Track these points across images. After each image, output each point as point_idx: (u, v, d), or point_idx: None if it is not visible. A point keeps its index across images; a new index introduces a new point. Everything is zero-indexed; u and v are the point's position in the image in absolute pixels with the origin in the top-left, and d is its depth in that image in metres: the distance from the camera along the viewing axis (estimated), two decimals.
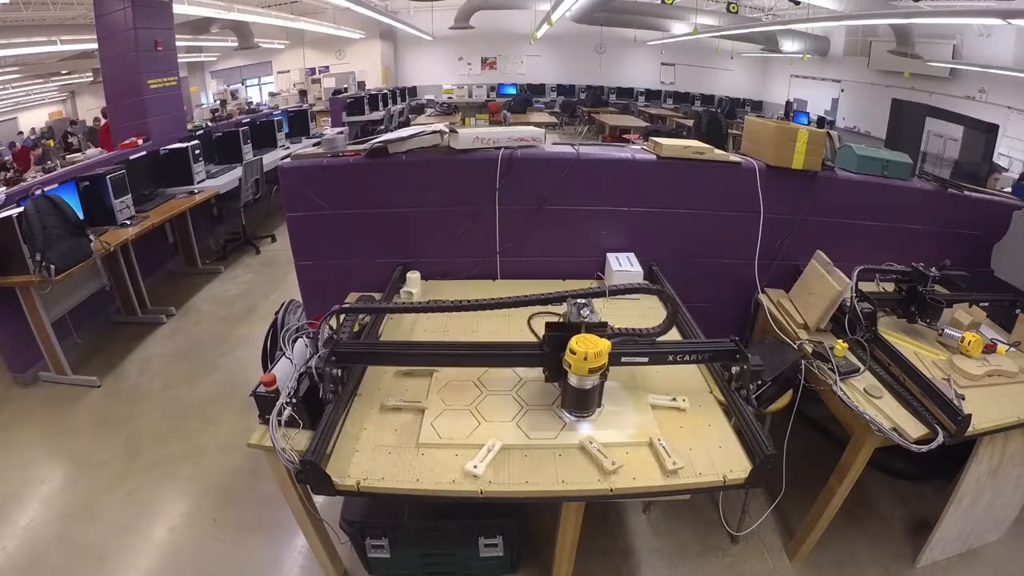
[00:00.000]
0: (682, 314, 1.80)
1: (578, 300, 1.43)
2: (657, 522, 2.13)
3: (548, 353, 1.39)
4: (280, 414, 1.30)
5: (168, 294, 4.13)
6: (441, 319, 1.92)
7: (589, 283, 2.28)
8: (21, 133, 12.86)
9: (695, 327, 1.79)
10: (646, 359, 1.46)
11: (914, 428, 1.53)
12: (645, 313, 1.99)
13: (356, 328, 1.68)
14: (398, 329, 1.89)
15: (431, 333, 1.87)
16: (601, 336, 1.32)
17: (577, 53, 13.54)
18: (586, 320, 1.38)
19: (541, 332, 1.46)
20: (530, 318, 1.91)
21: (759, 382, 1.61)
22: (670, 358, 1.48)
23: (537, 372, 1.57)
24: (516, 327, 1.88)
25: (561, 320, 1.48)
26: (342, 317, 1.66)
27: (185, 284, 4.39)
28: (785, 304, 2.21)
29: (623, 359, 1.45)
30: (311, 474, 1.20)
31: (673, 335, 1.69)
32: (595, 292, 1.51)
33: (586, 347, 1.26)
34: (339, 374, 1.41)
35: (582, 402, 1.37)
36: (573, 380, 1.33)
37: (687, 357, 1.50)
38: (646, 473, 1.26)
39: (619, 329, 1.50)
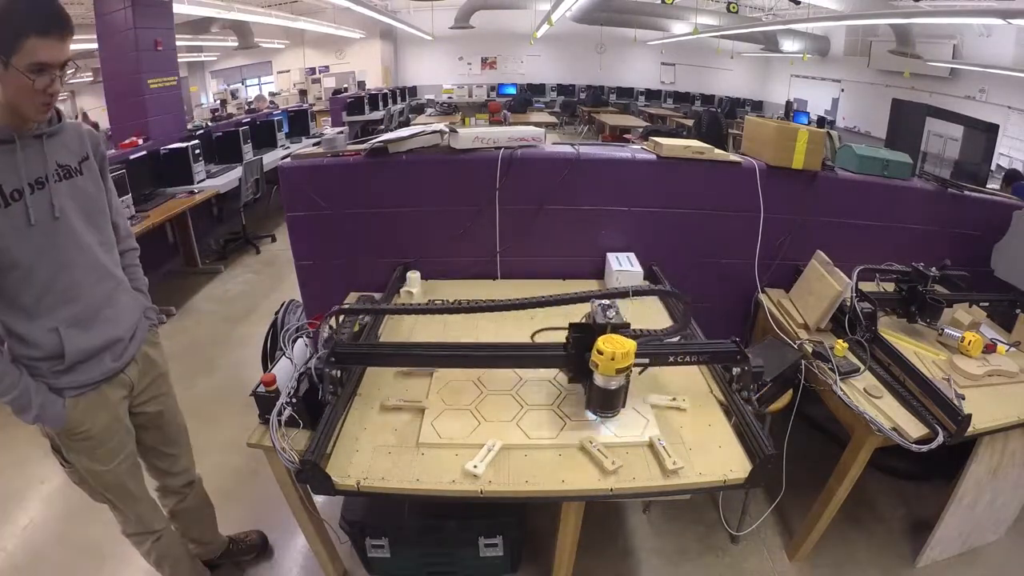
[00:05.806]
0: None
1: (603, 301, 1.40)
2: (657, 522, 2.13)
3: (573, 354, 1.37)
4: (280, 414, 1.30)
5: (168, 294, 4.13)
6: (440, 317, 1.91)
7: (591, 284, 2.28)
8: None
9: (696, 329, 1.78)
10: (647, 360, 1.44)
11: (914, 428, 1.53)
12: (640, 310, 1.99)
13: (356, 328, 1.68)
14: (399, 327, 1.89)
15: (431, 332, 1.86)
16: (625, 336, 1.31)
17: (577, 53, 13.55)
18: (612, 321, 1.35)
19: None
20: (533, 335, 1.85)
21: (759, 382, 1.61)
22: (671, 359, 1.47)
23: (537, 372, 1.59)
24: (516, 325, 1.87)
25: (584, 321, 1.45)
26: (342, 317, 1.67)
27: (185, 284, 4.39)
28: (785, 304, 2.21)
29: None
30: (311, 474, 1.20)
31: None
32: (619, 292, 1.51)
33: (613, 347, 1.24)
34: (339, 375, 1.40)
35: (608, 402, 1.35)
36: (600, 380, 1.30)
37: (688, 358, 1.48)
38: (646, 473, 1.25)
39: (639, 330, 1.53)
